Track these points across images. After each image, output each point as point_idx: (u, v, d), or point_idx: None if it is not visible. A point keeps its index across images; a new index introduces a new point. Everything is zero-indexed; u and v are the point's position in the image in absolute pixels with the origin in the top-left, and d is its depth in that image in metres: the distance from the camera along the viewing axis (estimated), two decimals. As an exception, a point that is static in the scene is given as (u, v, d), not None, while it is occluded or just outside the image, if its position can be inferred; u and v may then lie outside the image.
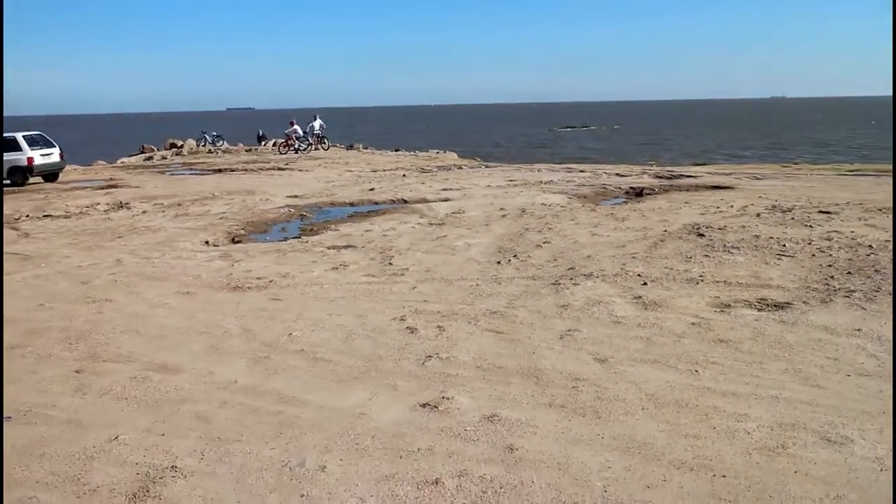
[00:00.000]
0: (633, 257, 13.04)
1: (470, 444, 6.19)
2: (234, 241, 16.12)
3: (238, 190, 25.08)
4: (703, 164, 35.74)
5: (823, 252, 12.95)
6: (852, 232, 14.71)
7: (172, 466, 5.97)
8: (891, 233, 14.59)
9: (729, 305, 9.98)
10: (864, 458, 5.84)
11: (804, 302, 10.01)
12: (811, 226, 15.56)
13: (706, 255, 12.90)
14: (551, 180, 26.07)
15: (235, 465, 5.95)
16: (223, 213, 20.05)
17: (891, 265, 11.91)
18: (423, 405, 6.98)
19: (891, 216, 16.68)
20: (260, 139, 51.42)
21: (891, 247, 13.29)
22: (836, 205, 18.49)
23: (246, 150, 48.67)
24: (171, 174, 33.40)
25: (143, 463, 6.05)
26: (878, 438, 6.13)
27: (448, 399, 7.07)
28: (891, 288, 10.58)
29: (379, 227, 17.15)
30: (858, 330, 8.84)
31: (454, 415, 6.75)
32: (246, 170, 33.75)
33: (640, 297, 10.46)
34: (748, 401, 6.93)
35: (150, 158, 44.20)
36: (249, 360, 8.37)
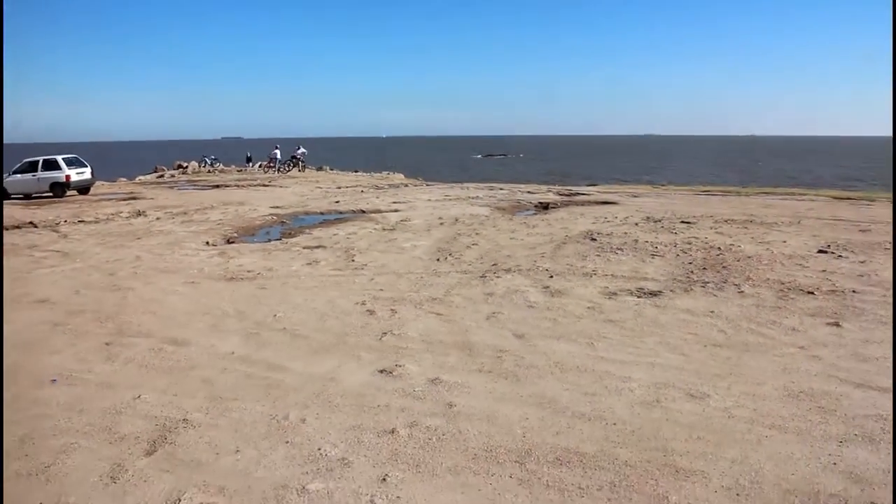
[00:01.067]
0: (542, 256, 13.10)
1: (418, 401, 6.19)
2: (228, 242, 15.89)
3: (231, 201, 24.75)
4: (595, 185, 35.97)
5: (685, 253, 13.13)
6: (706, 237, 14.93)
7: (184, 419, 5.91)
8: (734, 238, 14.86)
9: (616, 293, 10.08)
10: (716, 408, 5.95)
11: (671, 290, 10.15)
12: (676, 232, 15.76)
13: (598, 255, 13.01)
14: (477, 196, 26.09)
15: (234, 419, 5.91)
16: (220, 219, 19.79)
17: (735, 262, 12.13)
18: (381, 371, 6.97)
19: (735, 226, 16.99)
20: (248, 160, 50.64)
21: (734, 248, 13.53)
22: (694, 217, 18.75)
23: (237, 170, 47.98)
24: (179, 189, 32.84)
25: (160, 416, 5.98)
26: (726, 394, 6.24)
27: (400, 366, 7.06)
28: (736, 279, 10.78)
29: (343, 231, 17.04)
30: (712, 312, 8.99)
31: (405, 379, 6.74)
32: (238, 186, 33.31)
33: (548, 286, 10.52)
34: (631, 366, 7.01)
35: (161, 177, 43.38)
36: (243, 336, 8.29)
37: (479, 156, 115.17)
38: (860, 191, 32.67)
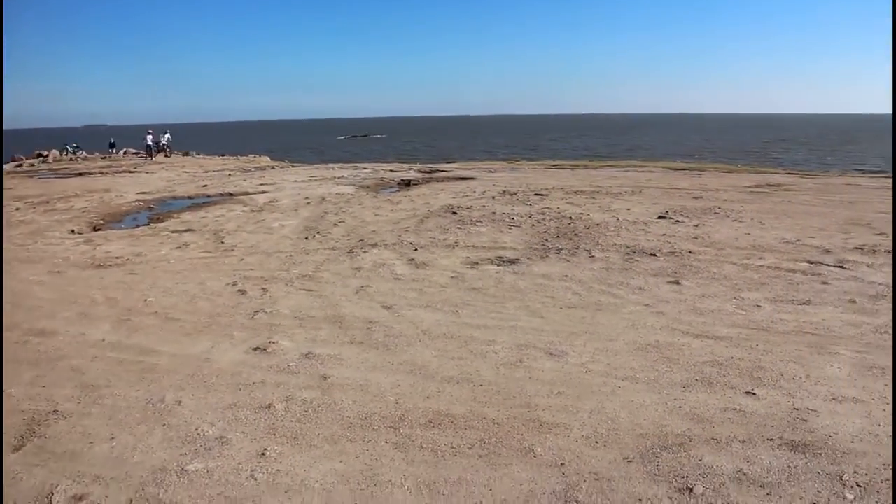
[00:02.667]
0: (406, 230, 13.15)
1: (293, 376, 6.08)
2: (95, 229, 15.06)
3: (96, 189, 23.44)
4: (453, 162, 36.34)
5: (540, 223, 13.49)
6: (559, 208, 15.39)
7: (54, 411, 5.55)
8: (583, 208, 15.37)
9: (477, 263, 10.24)
10: (574, 364, 6.15)
11: (528, 258, 10.41)
12: (530, 204, 16.16)
13: (459, 228, 13.17)
14: (342, 175, 25.83)
15: (107, 406, 5.61)
16: (85, 207, 18.70)
17: (585, 229, 12.56)
18: (255, 349, 6.79)
19: (584, 196, 17.57)
20: (111, 146, 47.93)
21: (584, 216, 14.01)
22: (547, 189, 19.28)
23: (102, 157, 45.36)
24: (40, 178, 30.81)
25: (28, 410, 5.58)
26: (582, 351, 6.47)
27: (274, 343, 6.91)
28: (587, 245, 11.17)
29: (212, 214, 16.50)
30: (566, 276, 9.28)
31: (279, 355, 6.61)
32: (102, 173, 31.53)
33: (413, 259, 10.57)
34: (494, 331, 7.13)
35: (20, 166, 40.47)
36: (114, 322, 7.88)
37: (344, 137, 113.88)
38: (691, 162, 34.48)
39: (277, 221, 14.97)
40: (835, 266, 9.77)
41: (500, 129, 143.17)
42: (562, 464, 4.46)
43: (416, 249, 11.28)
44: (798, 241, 11.69)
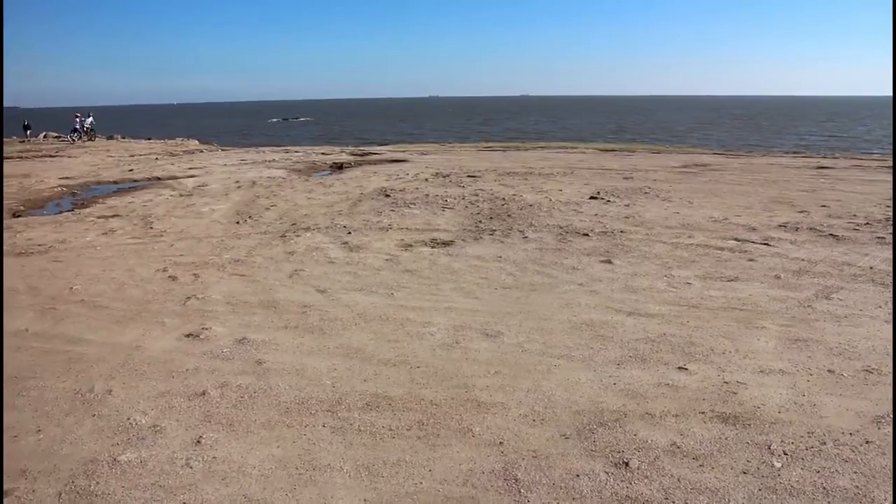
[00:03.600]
0: (340, 213, 13.03)
1: (227, 362, 5.97)
2: (15, 216, 14.49)
3: (15, 174, 22.48)
4: (385, 145, 36.14)
5: (473, 204, 13.54)
6: (491, 190, 15.46)
7: (-26, 405, 5.35)
8: (516, 189, 15.48)
9: (411, 245, 10.22)
10: (510, 344, 6.20)
11: (462, 240, 10.44)
12: (463, 186, 16.20)
13: (392, 210, 13.13)
14: (273, 159, 25.43)
15: (33, 398, 5.41)
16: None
17: (518, 210, 12.65)
18: (188, 335, 6.64)
19: (516, 178, 17.69)
20: (26, 129, 45.84)
21: (517, 198, 14.11)
22: (479, 171, 19.37)
23: (20, 142, 43.68)
24: (-51, 165, 29.56)
25: (-53, 404, 5.38)
26: (518, 330, 6.53)
27: (207, 329, 6.77)
28: (520, 226, 11.25)
29: (139, 199, 16.04)
30: (500, 257, 9.34)
31: (213, 341, 6.48)
32: (21, 157, 30.34)
33: (346, 242, 10.48)
34: (430, 312, 7.14)
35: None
36: (37, 312, 7.59)
37: (275, 120, 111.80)
38: (618, 143, 35.02)
39: (208, 206, 14.65)
40: (760, 243, 10.07)
41: (431, 113, 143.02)
42: (500, 442, 4.49)
43: (349, 233, 11.19)
44: (725, 219, 12.00)
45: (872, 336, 6.31)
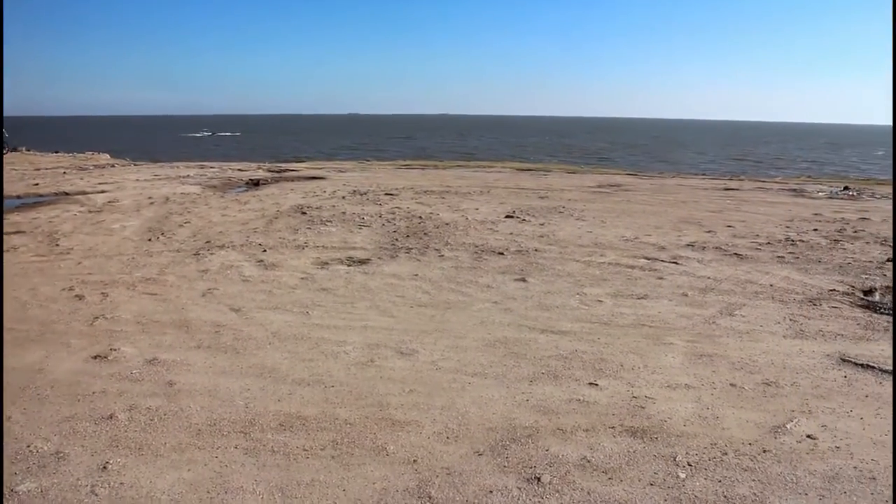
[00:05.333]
0: (255, 231, 12.87)
1: (136, 383, 5.83)
2: None
3: None
4: (302, 161, 35.85)
5: (390, 222, 13.57)
6: (409, 208, 15.54)
7: None
8: (433, 207, 15.59)
9: (327, 263, 10.17)
10: (425, 362, 6.25)
11: (379, 258, 10.46)
12: (381, 204, 16.22)
13: (308, 228, 13.04)
14: (188, 175, 24.90)
15: (-75, 424, 5.18)
16: None
17: (435, 229, 12.75)
18: (95, 357, 6.44)
19: (433, 196, 17.82)
20: None
21: (434, 216, 14.21)
22: (397, 189, 19.43)
23: None
24: None
25: None
26: (433, 349, 6.57)
27: (115, 350, 6.58)
28: (437, 244, 11.34)
29: (45, 215, 15.45)
30: (416, 275, 9.39)
31: (121, 362, 6.30)
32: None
33: (262, 260, 10.36)
34: (345, 331, 7.13)
35: None
36: (-70, 334, 7.27)
37: (191, 135, 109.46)
38: (532, 162, 35.65)
39: (118, 222, 14.24)
40: (669, 262, 10.41)
41: (348, 130, 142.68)
42: (414, 460, 4.53)
43: (264, 250, 11.07)
44: (636, 238, 12.37)
45: (771, 351, 6.61)
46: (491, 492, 4.17)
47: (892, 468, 4.40)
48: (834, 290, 8.89)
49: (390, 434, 4.90)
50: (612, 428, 4.98)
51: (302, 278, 9.30)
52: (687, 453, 4.61)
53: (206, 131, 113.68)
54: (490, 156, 50.94)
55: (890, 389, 5.73)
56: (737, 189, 21.64)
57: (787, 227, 13.87)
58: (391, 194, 18.09)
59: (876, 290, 8.87)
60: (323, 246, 11.38)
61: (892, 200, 18.74)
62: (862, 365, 6.22)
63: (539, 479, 4.29)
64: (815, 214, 15.72)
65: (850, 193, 20.78)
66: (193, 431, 4.97)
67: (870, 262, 10.58)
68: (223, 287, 8.90)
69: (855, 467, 4.46)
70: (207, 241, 11.94)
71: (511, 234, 12.43)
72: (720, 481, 4.28)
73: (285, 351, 6.56)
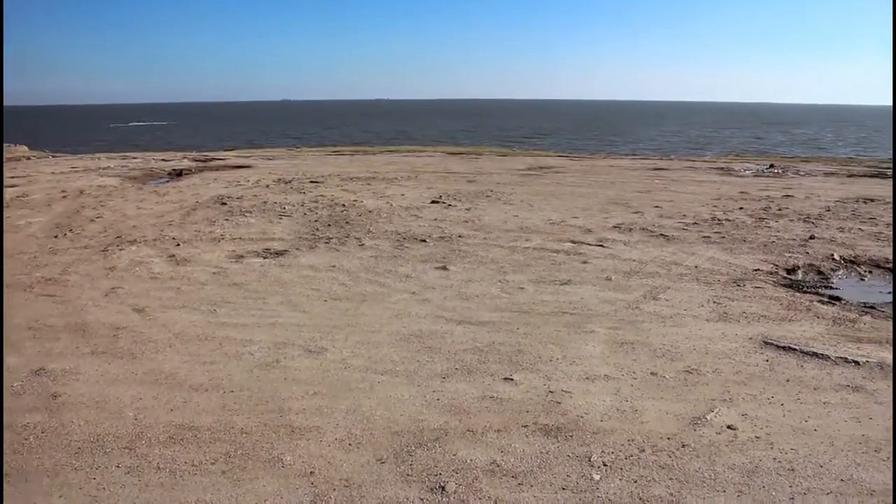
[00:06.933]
0: (170, 224, 12.26)
1: (16, 398, 5.30)
2: None
3: None
4: (231, 150, 34.86)
5: (312, 211, 13.11)
6: (333, 195, 15.07)
7: None
8: (358, 194, 15.17)
9: (242, 256, 9.70)
10: (333, 361, 5.88)
11: (297, 248, 10.02)
12: (304, 192, 15.72)
13: (227, 219, 12.49)
14: (109, 166, 23.85)
15: None
16: None
17: (357, 217, 12.35)
18: (-26, 369, 5.93)
19: (359, 182, 17.37)
20: None
21: (358, 203, 13.80)
22: (323, 176, 18.90)
23: None
24: None
25: None
26: (343, 345, 6.21)
27: (-1, 360, 6.07)
28: (358, 233, 10.95)
29: (-55, 213, 14.60)
30: (333, 266, 9.00)
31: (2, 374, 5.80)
32: None
33: (173, 255, 9.82)
34: (253, 329, 6.71)
35: None
36: None
37: (117, 125, 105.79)
38: (465, 146, 35.39)
39: (24, 219, 13.44)
40: (595, 245, 10.23)
41: (284, 116, 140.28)
42: (311, 472, 4.17)
43: (178, 245, 10.51)
44: (563, 221, 12.17)
45: (694, 336, 6.44)
46: (391, 505, 3.85)
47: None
48: (758, 269, 8.81)
49: (288, 443, 4.53)
50: (526, 427, 4.69)
51: (214, 273, 8.82)
52: (603, 452, 4.36)
53: (140, 121, 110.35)
54: (425, 140, 50.43)
55: (812, 372, 5.60)
56: (666, 169, 21.70)
57: (714, 206, 13.86)
58: (316, 182, 17.58)
59: (799, 268, 8.83)
60: (240, 238, 10.89)
61: (815, 177, 19.01)
62: (784, 347, 6.09)
63: (444, 489, 3.98)
64: (742, 193, 15.79)
65: (776, 171, 21.04)
66: (73, 450, 4.51)
67: (793, 239, 10.57)
68: (129, 285, 8.37)
69: (774, 458, 4.27)
70: (118, 237, 11.31)
71: (435, 220, 12.11)
72: (636, 482, 4.03)
73: (186, 354, 6.11)
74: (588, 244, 10.30)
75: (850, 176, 19.64)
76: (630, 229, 11.45)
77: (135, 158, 27.62)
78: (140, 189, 17.74)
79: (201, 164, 24.13)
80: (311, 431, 4.67)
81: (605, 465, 4.21)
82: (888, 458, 4.29)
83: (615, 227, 11.69)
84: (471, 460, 4.27)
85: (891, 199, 14.50)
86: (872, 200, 14.56)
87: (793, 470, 4.14)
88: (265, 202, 14.29)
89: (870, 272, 8.90)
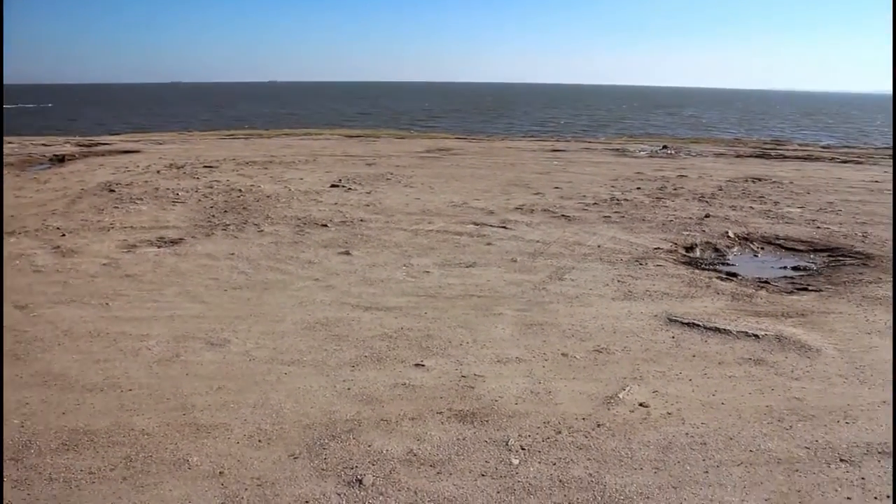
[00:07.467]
0: (54, 213, 11.55)
1: None
2: None
3: None
4: (118, 134, 33.32)
5: (207, 197, 12.63)
6: (228, 180, 14.58)
7: None
8: (254, 179, 14.72)
9: (135, 246, 9.22)
10: (237, 353, 5.62)
11: (193, 236, 9.61)
12: (198, 177, 15.14)
13: (116, 207, 11.87)
14: (-19, 153, 22.50)
15: None
16: None
17: (255, 202, 11.98)
18: None
19: (256, 167, 16.89)
20: None
21: (255, 188, 13.39)
22: (217, 160, 18.28)
23: None
24: None
25: None
26: (247, 336, 5.96)
27: None
28: (256, 219, 10.61)
29: None
30: (232, 254, 8.67)
31: None
32: None
33: (59, 246, 9.23)
34: (150, 322, 6.35)
35: None
36: None
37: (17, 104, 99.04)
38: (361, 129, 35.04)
39: None
40: (498, 226, 10.24)
41: (175, 99, 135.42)
42: (221, 472, 3.96)
43: (63, 235, 9.90)
44: (465, 203, 12.14)
45: (601, 315, 6.50)
46: (307, 502, 3.68)
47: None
48: (658, 248, 9.00)
49: (194, 442, 4.28)
50: (440, 414, 4.60)
51: (104, 265, 8.34)
52: (520, 436, 4.31)
53: (16, 104, 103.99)
54: (317, 121, 49.52)
55: (716, 347, 5.73)
56: (563, 150, 22.04)
57: (612, 186, 14.13)
58: (211, 167, 16.97)
59: (697, 245, 9.08)
60: (131, 226, 10.36)
61: (706, 157, 19.66)
62: (688, 324, 6.22)
63: (361, 481, 3.84)
64: (638, 173, 16.17)
65: (669, 152, 21.69)
66: (-49, 465, 4.15)
67: (690, 218, 10.88)
68: (9, 280, 7.79)
69: (687, 433, 4.33)
70: (-5, 228, 10.59)
71: (336, 204, 11.86)
72: (555, 464, 4.00)
73: (77, 352, 5.72)
74: (491, 226, 10.30)
75: (737, 156, 20.46)
76: (532, 210, 11.52)
77: (11, 143, 26.04)
78: (17, 176, 16.66)
79: (86, 150, 22.93)
80: (217, 429, 4.44)
81: (522, 448, 4.17)
82: (790, 427, 4.42)
83: (517, 208, 11.74)
84: (386, 451, 4.15)
85: (776, 179, 15.17)
86: (760, 180, 15.19)
87: (705, 444, 4.21)
88: (157, 188, 13.67)
89: (762, 248, 9.26)
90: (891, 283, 7.55)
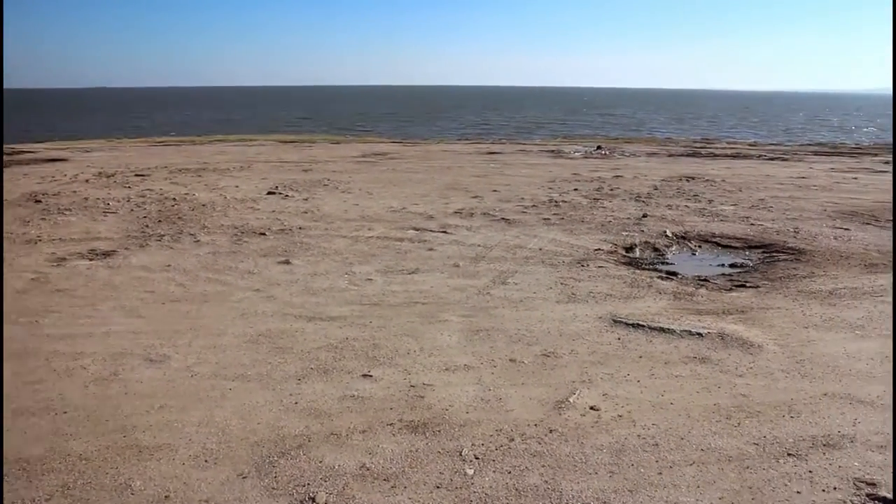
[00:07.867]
0: (-23, 227, 11.09)
1: None
2: None
3: None
4: (42, 142, 32.21)
5: (140, 206, 12.26)
6: (161, 189, 14.19)
7: None
8: (189, 187, 14.38)
9: (65, 259, 8.86)
10: (178, 369, 5.42)
11: (126, 248, 9.28)
12: (130, 186, 14.69)
13: (43, 219, 11.39)
14: None
15: None
16: None
17: (190, 211, 11.68)
18: None
19: (189, 175, 16.49)
20: None
21: (189, 197, 13.07)
22: (149, 168, 17.80)
23: None
24: None
25: None
26: (188, 351, 5.75)
27: None
28: (192, 229, 10.33)
29: None
30: (169, 266, 8.39)
31: None
32: None
33: (-17, 262, 8.86)
34: (84, 340, 6.08)
35: None
36: None
37: None
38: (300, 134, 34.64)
39: None
40: (438, 231, 10.19)
41: (101, 105, 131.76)
42: (166, 496, 3.79)
43: (-13, 249, 9.49)
44: (404, 208, 12.06)
45: (546, 318, 6.50)
46: (258, 523, 3.56)
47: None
48: (599, 249, 9.08)
49: (136, 465, 4.10)
50: (391, 425, 4.51)
51: (32, 279, 7.98)
52: (473, 445, 4.25)
53: None
54: (251, 128, 48.78)
55: (661, 347, 5.78)
56: (499, 153, 22.13)
57: (550, 188, 14.23)
58: (142, 175, 16.50)
59: (636, 246, 9.17)
60: (60, 238, 9.96)
61: (639, 157, 19.94)
62: (633, 325, 6.26)
63: (314, 499, 3.72)
64: (574, 174, 16.33)
65: (603, 152, 21.97)
66: None
67: (628, 218, 11.00)
68: (-70, 298, 7.43)
69: (639, 435, 4.34)
70: (-87, 243, 10.08)
71: (273, 211, 11.64)
72: (510, 472, 3.95)
73: (6, 373, 5.45)
74: (431, 231, 10.25)
75: (669, 155, 20.86)
76: (471, 214, 11.51)
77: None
78: (-64, 188, 15.96)
79: (8, 158, 22.10)
80: (161, 450, 4.26)
81: (476, 458, 4.11)
82: (738, 423, 4.47)
83: (456, 212, 11.71)
84: (338, 466, 4.04)
85: (708, 177, 15.49)
86: (693, 178, 15.51)
87: (657, 445, 4.22)
88: (86, 198, 13.20)
89: (699, 246, 9.42)
90: (824, 278, 7.76)
